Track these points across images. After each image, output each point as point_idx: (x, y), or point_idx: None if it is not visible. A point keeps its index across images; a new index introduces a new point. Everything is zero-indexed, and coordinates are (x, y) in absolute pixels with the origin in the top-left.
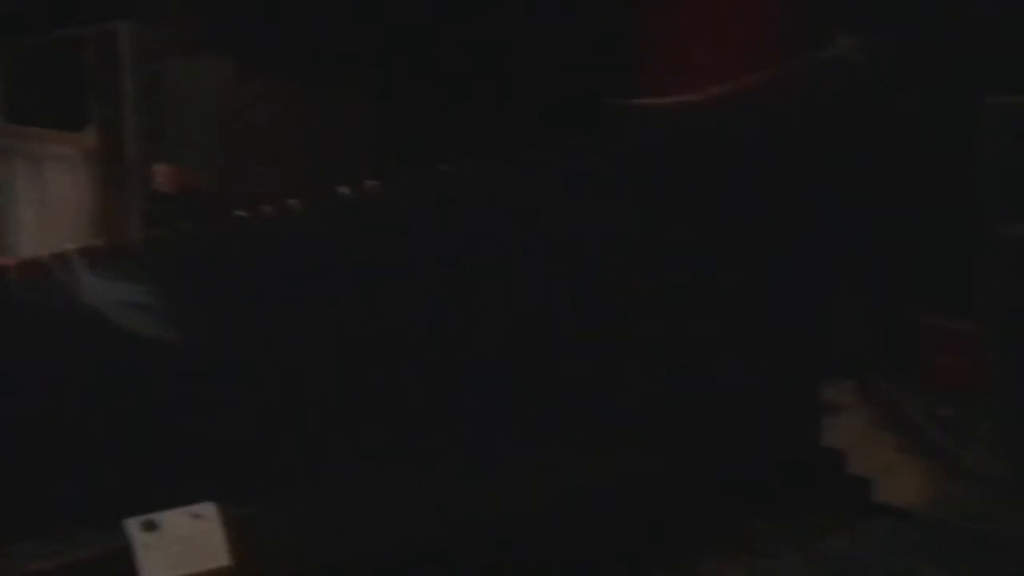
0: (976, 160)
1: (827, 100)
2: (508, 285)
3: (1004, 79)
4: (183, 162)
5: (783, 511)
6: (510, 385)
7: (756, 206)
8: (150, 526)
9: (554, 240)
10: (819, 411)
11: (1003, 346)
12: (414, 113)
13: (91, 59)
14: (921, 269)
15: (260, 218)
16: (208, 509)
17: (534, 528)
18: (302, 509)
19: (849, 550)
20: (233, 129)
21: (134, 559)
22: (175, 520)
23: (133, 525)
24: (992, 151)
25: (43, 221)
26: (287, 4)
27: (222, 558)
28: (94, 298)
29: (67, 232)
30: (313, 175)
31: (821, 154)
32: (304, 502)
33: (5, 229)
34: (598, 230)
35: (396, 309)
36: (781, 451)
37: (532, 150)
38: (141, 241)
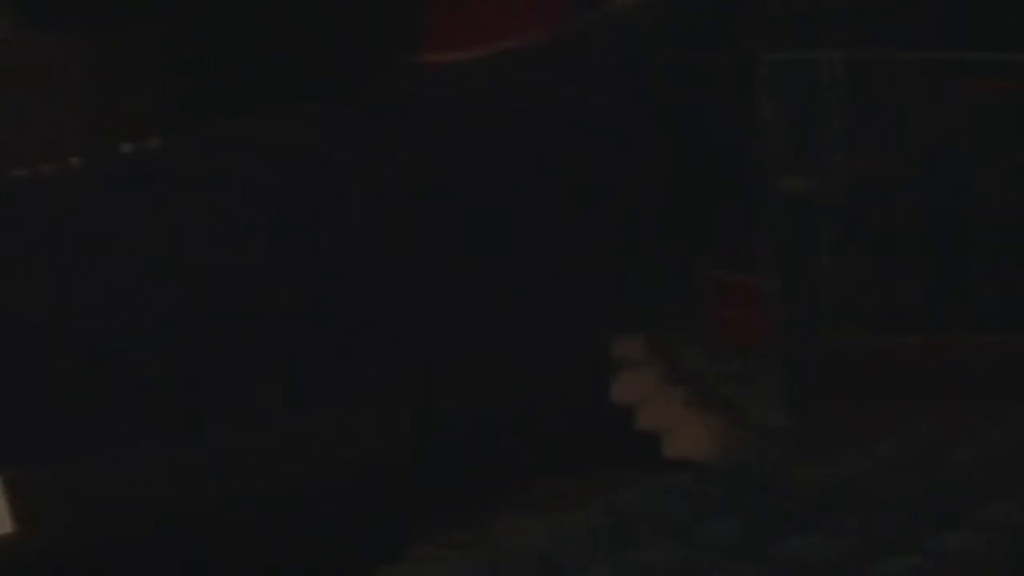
0: (755, 116)
1: (607, 57)
2: (281, 242)
3: (781, 36)
4: None
5: (575, 466)
6: (277, 346)
7: (539, 164)
8: None
9: (332, 196)
10: (608, 367)
11: (783, 299)
12: (194, 70)
13: None
14: (703, 225)
15: (37, 176)
16: None
17: (326, 490)
18: (86, 474)
19: (641, 503)
20: (11, 85)
21: None
22: None
23: None
24: (770, 107)
25: None
26: None
27: (5, 524)
28: None
29: None
30: (93, 133)
31: (600, 112)
32: (88, 467)
33: None
34: (377, 187)
35: (175, 269)
36: (572, 407)
37: (313, 108)
38: None
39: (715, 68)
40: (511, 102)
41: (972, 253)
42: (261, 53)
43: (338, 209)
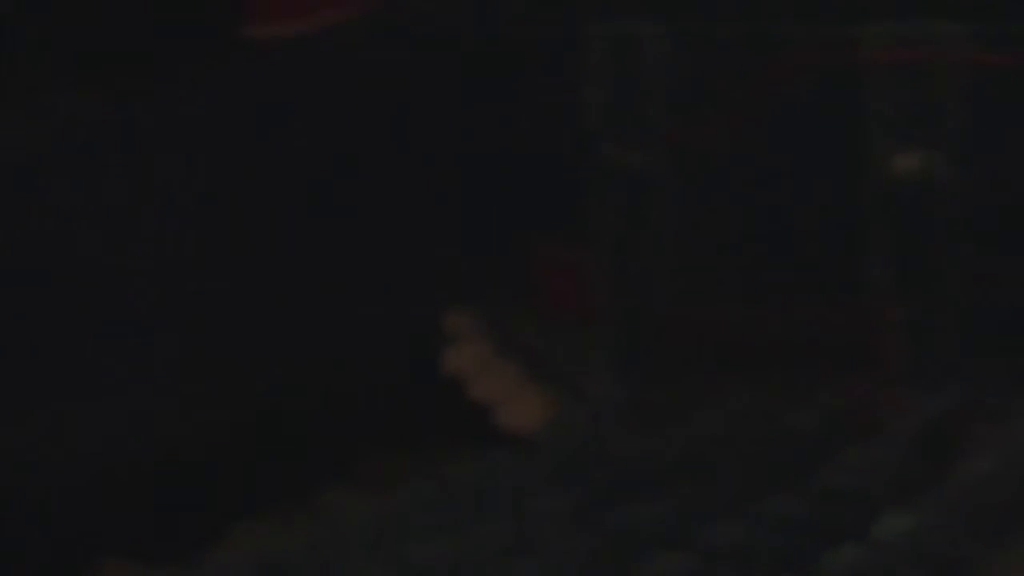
0: (582, 87)
1: (427, 29)
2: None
3: (609, 6)
4: None
5: (405, 441)
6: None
7: (360, 137)
8: None
9: (145, 176)
10: (439, 340)
11: (612, 272)
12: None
13: None
14: (533, 196)
15: None
16: None
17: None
18: None
19: (472, 478)
20: None
21: None
22: None
23: None
24: (597, 78)
25: None
26: None
27: None
28: None
29: None
30: None
31: (422, 84)
32: None
33: None
34: (194, 165)
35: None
36: (401, 381)
37: (128, 83)
38: None
39: (541, 39)
40: (330, 77)
41: (798, 226)
42: (72, 26)
43: (154, 189)
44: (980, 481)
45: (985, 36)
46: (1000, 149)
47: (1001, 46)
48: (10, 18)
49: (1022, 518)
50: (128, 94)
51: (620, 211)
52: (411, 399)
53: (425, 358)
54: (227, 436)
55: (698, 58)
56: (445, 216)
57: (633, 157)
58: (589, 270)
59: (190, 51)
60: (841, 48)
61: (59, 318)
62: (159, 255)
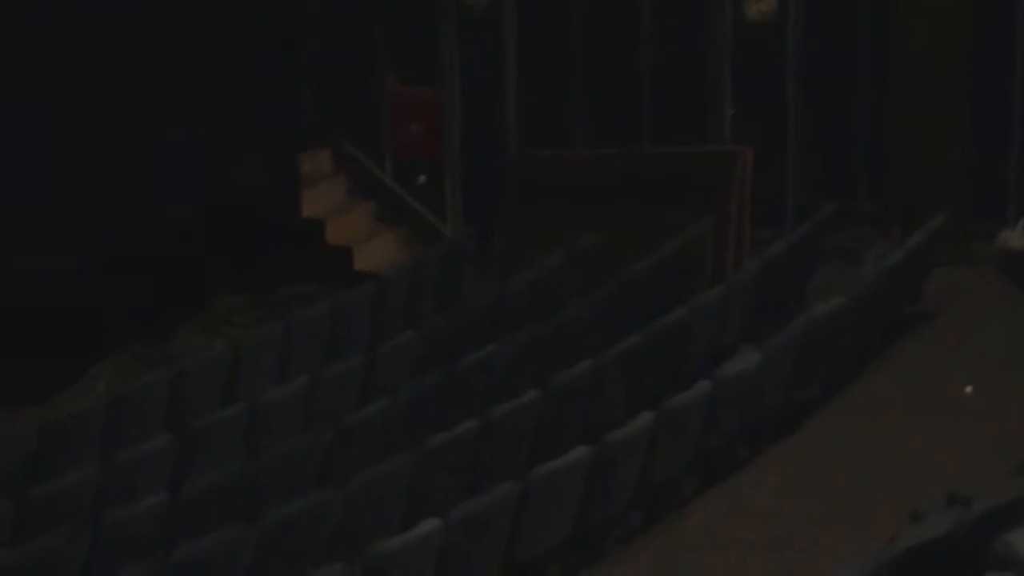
0: None
1: None
2: None
3: None
4: None
5: (258, 283)
6: None
7: None
8: None
9: None
10: (296, 182)
11: (462, 112)
12: None
13: None
14: (385, 39)
15: None
16: None
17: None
18: None
19: (330, 316)
20: None
21: None
22: None
23: None
24: None
25: None
26: None
27: None
28: None
29: None
30: None
31: None
32: None
33: None
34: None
35: None
36: (255, 223)
37: None
38: None
39: None
40: None
41: (648, 67)
42: None
43: None
44: (823, 322)
45: None
46: None
47: None
48: None
49: (863, 359)
50: None
51: (469, 52)
52: (264, 241)
53: (279, 200)
54: (80, 279)
55: None
56: (298, 60)
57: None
58: (441, 111)
59: None
60: None
61: None
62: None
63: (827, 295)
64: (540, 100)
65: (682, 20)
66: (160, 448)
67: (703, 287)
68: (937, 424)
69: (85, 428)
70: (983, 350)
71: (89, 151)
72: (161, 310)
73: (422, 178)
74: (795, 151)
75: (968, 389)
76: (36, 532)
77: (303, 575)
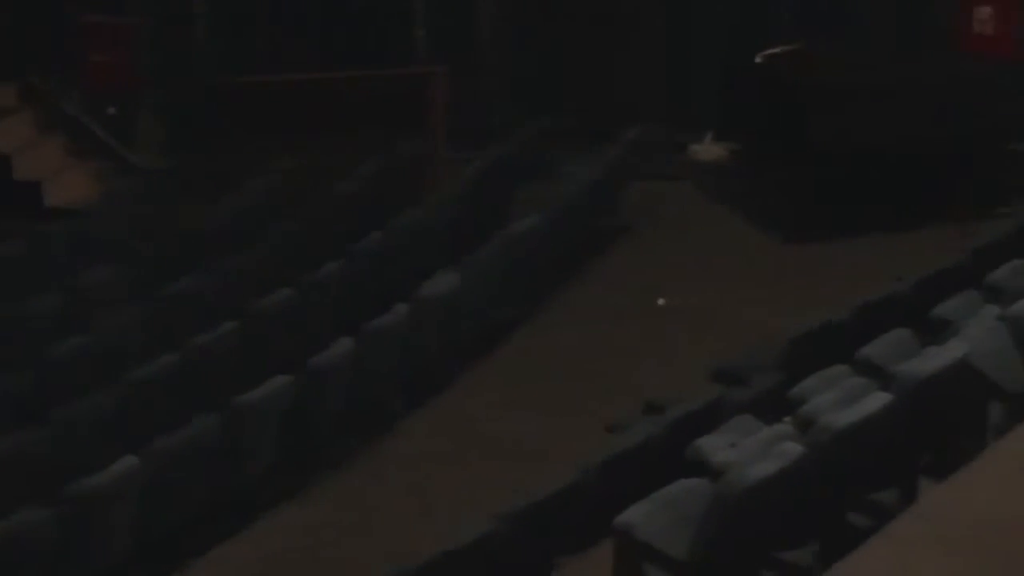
0: None
1: None
2: None
3: None
4: None
5: None
6: None
7: None
8: None
9: None
10: None
11: (155, 41)
12: None
13: None
14: None
15: None
16: None
17: None
18: None
19: (24, 254)
20: None
21: None
22: None
23: None
24: None
25: None
26: None
27: None
28: None
29: None
30: None
31: None
32: None
33: None
34: None
35: None
36: None
37: None
38: None
39: None
40: None
41: None
42: None
43: None
44: (520, 239)
45: None
46: None
47: None
48: None
49: (564, 276)
50: None
51: None
52: None
53: None
54: None
55: None
56: None
57: None
58: (132, 41)
59: None
60: None
61: None
62: None
63: (527, 212)
64: (233, 28)
65: None
66: None
67: (405, 209)
68: (636, 332)
69: None
70: (678, 260)
71: None
72: None
73: (111, 110)
74: (489, 73)
75: (661, 301)
76: None
77: (3, 517)
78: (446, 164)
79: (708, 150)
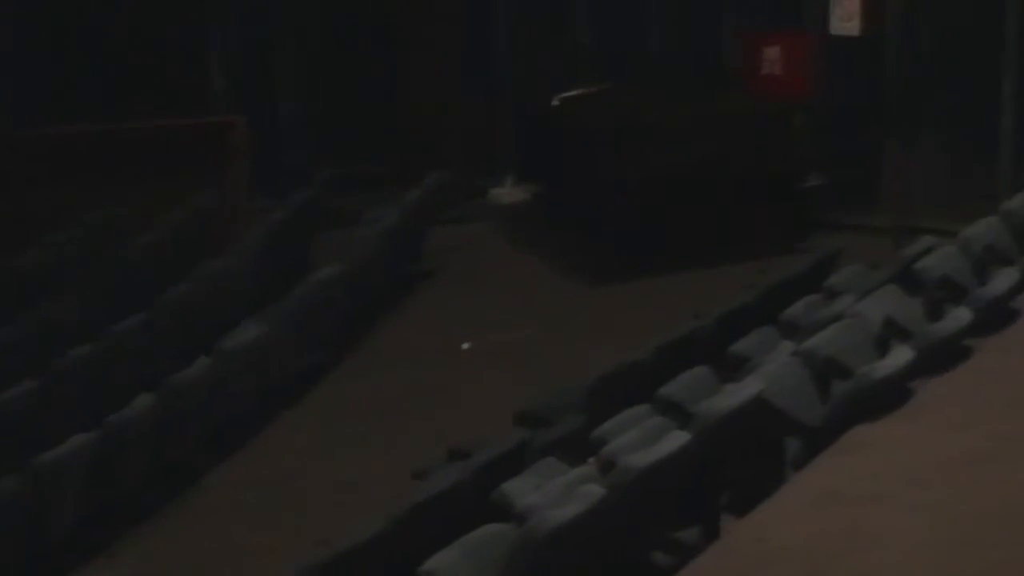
0: None
1: None
2: None
3: None
4: None
5: None
6: None
7: None
8: None
9: None
10: None
11: None
12: None
13: None
14: None
15: None
16: None
17: None
18: None
19: None
20: None
21: None
22: None
23: None
24: None
25: None
26: None
27: None
28: None
29: None
30: None
31: None
32: None
33: None
34: None
35: None
36: None
37: None
38: None
39: None
40: None
41: (144, 35)
42: None
43: None
44: (323, 287)
45: None
46: None
47: None
48: None
49: (370, 322)
50: None
51: None
52: None
53: None
54: None
55: None
56: None
57: None
58: None
59: None
60: None
61: None
62: None
63: (330, 260)
64: (34, 76)
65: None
66: None
67: (207, 259)
68: (443, 375)
69: None
70: (482, 303)
71: None
72: None
73: None
74: (287, 121)
75: (466, 345)
76: None
77: None
78: (247, 214)
79: (510, 193)
